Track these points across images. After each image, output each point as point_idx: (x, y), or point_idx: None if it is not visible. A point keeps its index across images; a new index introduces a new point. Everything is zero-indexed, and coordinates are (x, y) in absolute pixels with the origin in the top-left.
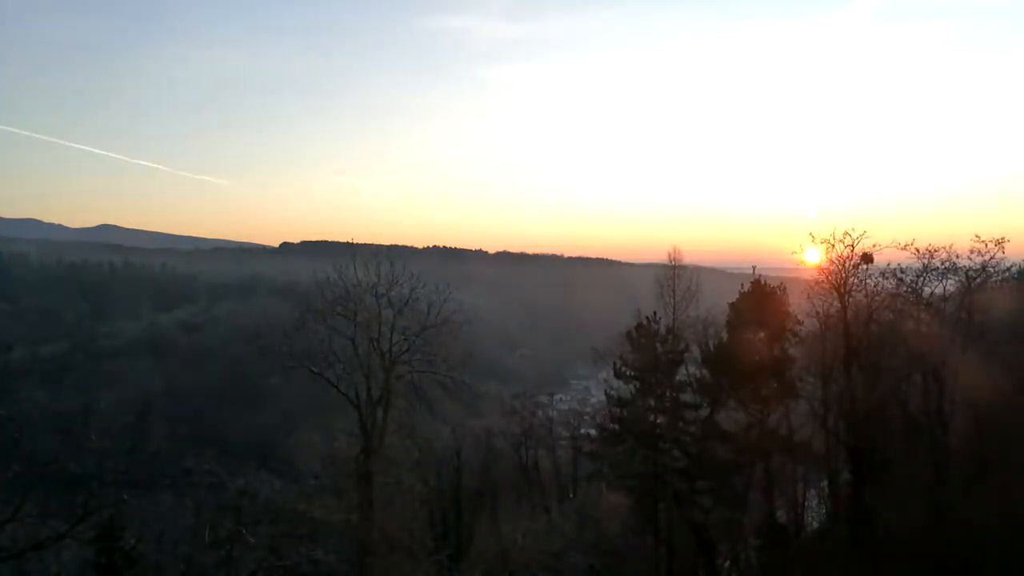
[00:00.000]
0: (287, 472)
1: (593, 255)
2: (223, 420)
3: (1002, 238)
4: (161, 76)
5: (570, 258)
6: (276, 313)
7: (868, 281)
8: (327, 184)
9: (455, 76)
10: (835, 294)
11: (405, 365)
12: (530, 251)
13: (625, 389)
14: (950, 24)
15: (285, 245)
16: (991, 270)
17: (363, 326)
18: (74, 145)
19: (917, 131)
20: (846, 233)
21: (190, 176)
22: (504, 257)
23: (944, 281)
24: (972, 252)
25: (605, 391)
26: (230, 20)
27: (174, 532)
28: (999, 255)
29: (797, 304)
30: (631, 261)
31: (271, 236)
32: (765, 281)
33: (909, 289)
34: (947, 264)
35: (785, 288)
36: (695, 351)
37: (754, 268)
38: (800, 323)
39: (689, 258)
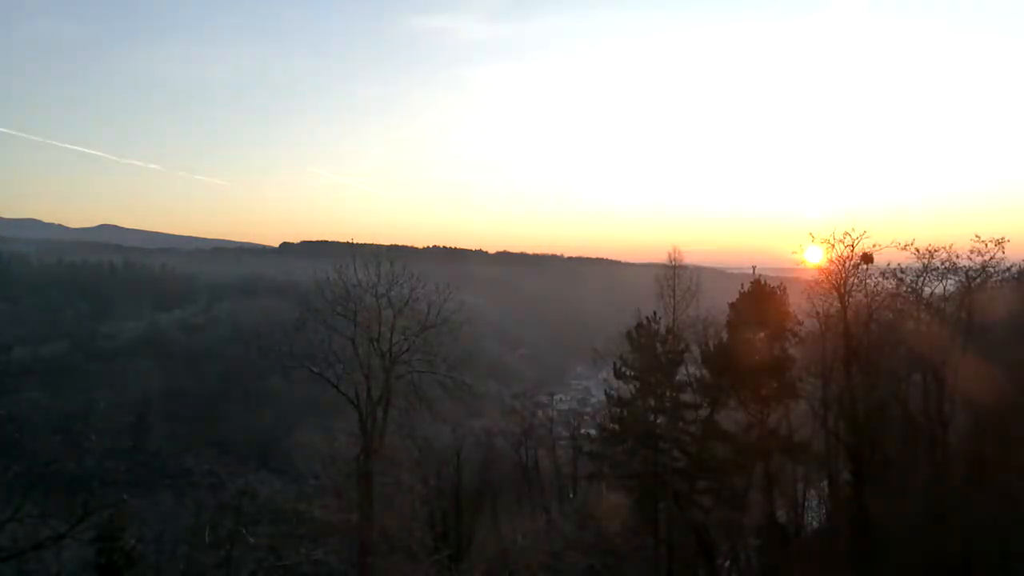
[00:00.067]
0: (287, 472)
1: (593, 255)
2: (223, 420)
3: (1002, 238)
4: (160, 76)
5: (570, 258)
6: (276, 313)
7: (868, 281)
8: (327, 184)
9: (453, 76)
10: (835, 294)
11: (405, 365)
12: (530, 251)
13: (625, 389)
14: (946, 19)
15: (285, 245)
16: (991, 270)
17: (363, 326)
18: (74, 147)
19: (917, 130)
20: (846, 233)
21: (190, 176)
22: (504, 257)
23: (944, 281)
24: (972, 252)
25: (605, 391)
26: (228, 20)
27: (174, 532)
28: (999, 255)
29: (797, 304)
30: (631, 261)
31: (271, 236)
32: (765, 281)
33: (909, 289)
34: (947, 264)
35: (785, 288)
36: (695, 351)
37: (754, 268)
38: (800, 323)
39: (689, 258)
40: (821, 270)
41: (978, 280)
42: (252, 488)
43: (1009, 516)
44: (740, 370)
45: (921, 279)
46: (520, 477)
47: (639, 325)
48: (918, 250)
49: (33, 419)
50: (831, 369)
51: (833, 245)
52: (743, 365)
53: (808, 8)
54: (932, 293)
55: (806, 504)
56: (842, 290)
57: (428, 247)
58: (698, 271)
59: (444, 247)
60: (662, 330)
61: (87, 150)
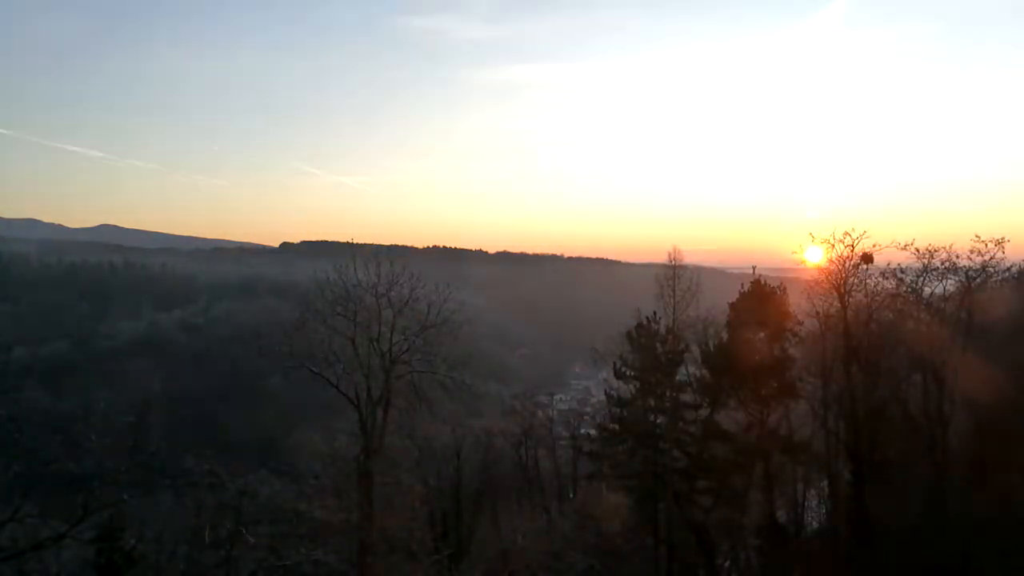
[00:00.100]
0: (287, 472)
1: (593, 255)
2: (223, 420)
3: (1002, 238)
4: (160, 76)
5: (570, 258)
6: (276, 313)
7: (868, 281)
8: (327, 184)
9: (451, 77)
10: (835, 294)
11: (405, 365)
12: (530, 251)
13: (625, 389)
14: (947, 19)
15: (285, 245)
16: (991, 270)
17: (363, 326)
18: (74, 148)
19: (917, 130)
20: (846, 233)
21: (190, 176)
22: (504, 257)
23: (944, 281)
24: (972, 252)
25: (605, 391)
26: (228, 21)
27: (174, 532)
28: (999, 255)
29: (797, 304)
30: (631, 261)
31: (271, 236)
32: (765, 281)
33: (909, 289)
34: (947, 264)
35: (785, 288)
36: (695, 351)
37: (754, 268)
38: (800, 323)
39: (689, 258)
40: (821, 270)
41: (978, 280)
42: (252, 488)
43: (1009, 516)
44: (740, 370)
45: (921, 279)
46: (520, 477)
47: (639, 325)
48: (918, 250)
49: (33, 419)
50: (831, 369)
51: (833, 245)
52: (743, 365)
53: (807, 9)
54: (932, 293)
55: (806, 504)
56: (842, 290)
57: (428, 247)
58: (698, 271)
59: (444, 247)
60: (662, 330)
61: (87, 150)
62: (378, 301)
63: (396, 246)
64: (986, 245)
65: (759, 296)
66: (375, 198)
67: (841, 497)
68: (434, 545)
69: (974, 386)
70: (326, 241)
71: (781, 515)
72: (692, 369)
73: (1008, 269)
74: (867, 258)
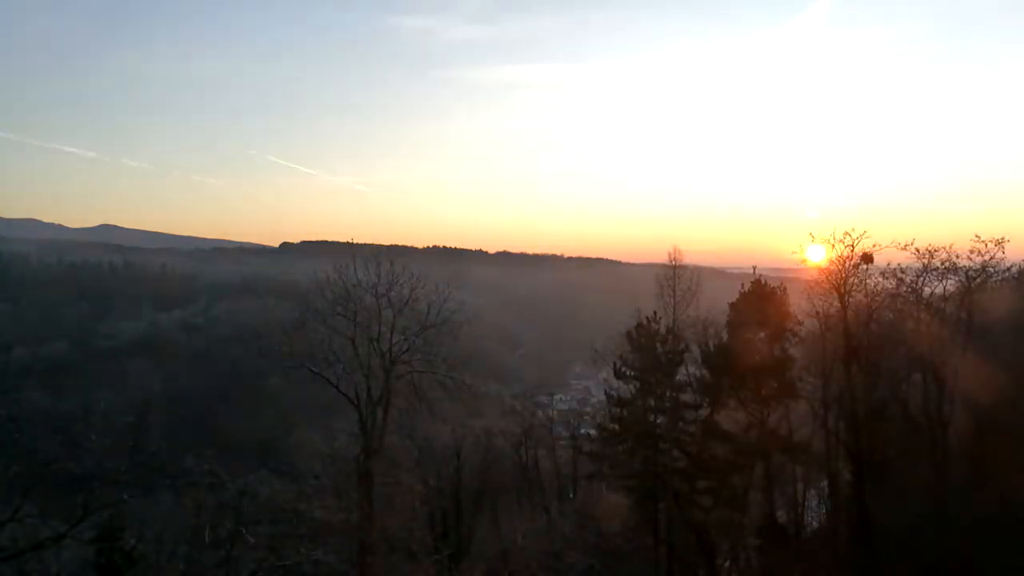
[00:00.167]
0: (287, 472)
1: (593, 255)
2: (223, 420)
3: (1002, 238)
4: (159, 77)
5: (570, 258)
6: (276, 313)
7: (868, 281)
8: (327, 184)
9: (448, 77)
10: (835, 294)
11: (405, 365)
12: (530, 251)
13: (625, 389)
14: (947, 20)
15: (285, 245)
16: (991, 270)
17: (363, 326)
18: (74, 148)
19: (917, 130)
20: (846, 233)
21: (190, 176)
22: (504, 257)
23: (944, 281)
24: (972, 252)
25: (605, 391)
26: (227, 21)
27: (174, 532)
28: (999, 255)
29: (797, 304)
30: (631, 261)
31: (271, 236)
32: (765, 281)
33: (909, 289)
34: (947, 264)
35: (785, 288)
36: (695, 351)
37: (754, 268)
38: (800, 323)
39: (689, 258)
40: (821, 270)
41: (978, 280)
42: (252, 488)
43: (1009, 516)
44: (740, 370)
45: (921, 279)
46: (520, 477)
47: (639, 325)
48: (918, 250)
49: (33, 419)
50: (831, 369)
51: (833, 245)
52: (743, 365)
53: (806, 9)
54: (932, 293)
55: (806, 504)
56: (842, 290)
57: (428, 247)
58: (698, 271)
59: (444, 247)
60: (662, 330)
61: (87, 151)
62: (378, 301)
63: (396, 246)
64: (986, 245)
65: (759, 296)
66: (375, 198)
67: (841, 497)
68: (434, 545)
69: (974, 386)
70: (326, 241)
71: (781, 515)
72: (692, 369)
73: (1008, 269)
74: (867, 258)
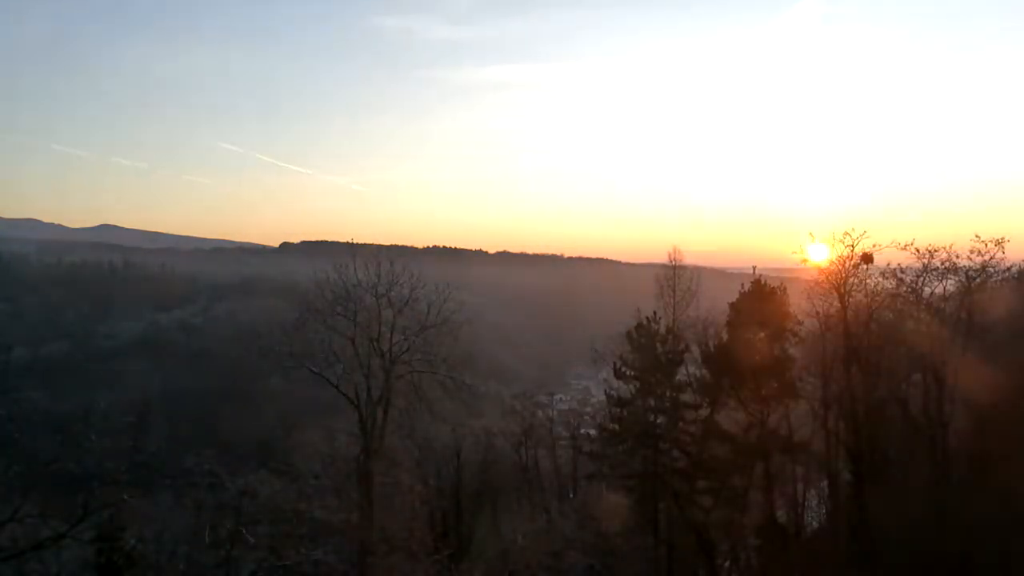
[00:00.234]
0: (287, 472)
1: (593, 255)
2: (223, 420)
3: (1002, 238)
4: (159, 78)
5: (570, 258)
6: (276, 313)
7: (868, 281)
8: (327, 184)
9: (446, 77)
10: (835, 294)
11: (405, 365)
12: (530, 251)
13: (625, 389)
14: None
15: (285, 245)
16: (991, 270)
17: (363, 326)
18: (73, 148)
19: (917, 130)
20: (846, 233)
21: (190, 176)
22: (504, 257)
23: (944, 281)
24: (972, 252)
25: (605, 391)
26: (226, 22)
27: (174, 532)
28: (999, 255)
29: (797, 304)
30: (631, 261)
31: (271, 236)
32: (765, 281)
33: (909, 289)
34: (947, 264)
35: (785, 288)
36: (695, 351)
37: (754, 268)
38: (800, 323)
39: (689, 258)
40: (821, 270)
41: (978, 280)
42: (252, 488)
43: (1009, 516)
44: (740, 370)
45: (921, 279)
46: (520, 477)
47: (639, 325)
48: (918, 250)
49: (33, 419)
50: (831, 369)
51: (833, 245)
52: (743, 365)
53: (805, 9)
54: (932, 293)
55: (806, 504)
56: (842, 290)
57: (428, 247)
58: (698, 271)
59: (444, 247)
60: (662, 330)
61: (87, 151)
62: (378, 301)
63: (396, 246)
64: (986, 245)
65: (759, 296)
66: (375, 198)
67: (841, 497)
68: (434, 545)
69: (974, 386)
70: (326, 241)
71: (781, 515)
72: (692, 369)
73: (1008, 269)
74: (867, 258)
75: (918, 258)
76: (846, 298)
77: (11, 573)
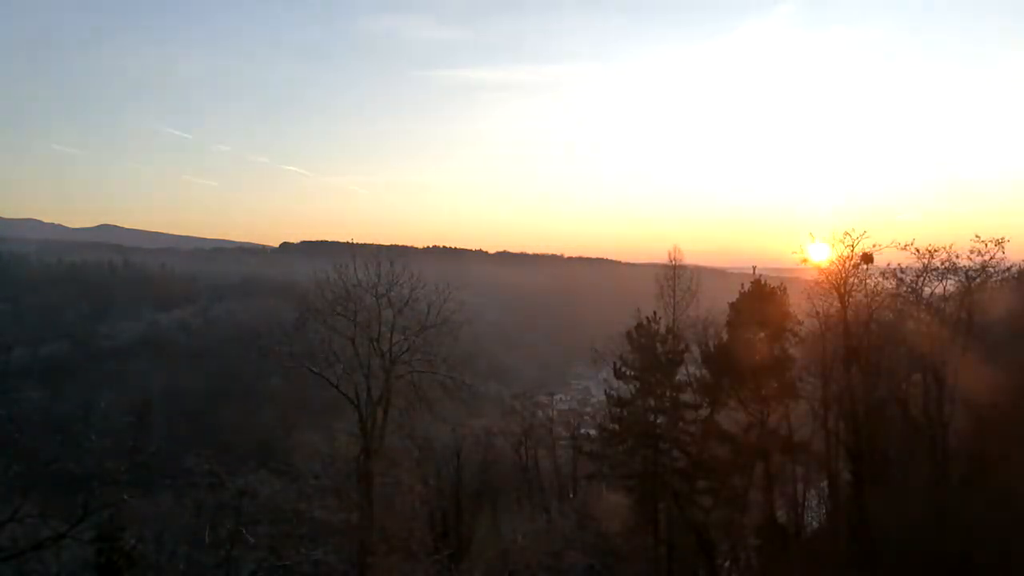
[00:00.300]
0: (287, 472)
1: (593, 255)
2: (223, 420)
3: (1002, 238)
4: (158, 77)
5: (570, 258)
6: (276, 313)
7: (868, 281)
8: (327, 184)
9: (449, 78)
10: (835, 294)
11: (405, 365)
12: (530, 251)
13: (625, 389)
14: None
15: (285, 245)
16: (991, 270)
17: (363, 326)
18: (73, 149)
19: (917, 130)
20: (846, 233)
21: (190, 177)
22: (504, 257)
23: (944, 281)
24: (972, 252)
25: (605, 391)
26: (225, 23)
27: (174, 532)
28: (999, 255)
29: (797, 304)
30: (631, 261)
31: (271, 236)
32: (765, 281)
33: (909, 289)
34: (947, 264)
35: (785, 288)
36: (695, 351)
37: (754, 268)
38: (800, 323)
39: (689, 258)
40: (821, 270)
41: (978, 280)
42: (252, 488)
43: (1009, 516)
44: (740, 370)
45: (921, 279)
46: (520, 477)
47: (639, 325)
48: (918, 250)
49: (33, 419)
50: (831, 369)
51: (833, 245)
52: (743, 365)
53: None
54: (932, 293)
55: (806, 504)
56: (842, 290)
57: (428, 247)
58: (698, 271)
59: (444, 247)
60: (662, 330)
61: (87, 151)
62: (378, 301)
63: (396, 246)
64: (986, 245)
65: (759, 296)
66: (375, 198)
67: (841, 497)
68: (434, 545)
69: (974, 386)
70: (326, 241)
71: (781, 515)
72: (692, 369)
73: (1008, 269)
74: (867, 258)
75: (918, 258)
76: (846, 298)
77: (11, 573)
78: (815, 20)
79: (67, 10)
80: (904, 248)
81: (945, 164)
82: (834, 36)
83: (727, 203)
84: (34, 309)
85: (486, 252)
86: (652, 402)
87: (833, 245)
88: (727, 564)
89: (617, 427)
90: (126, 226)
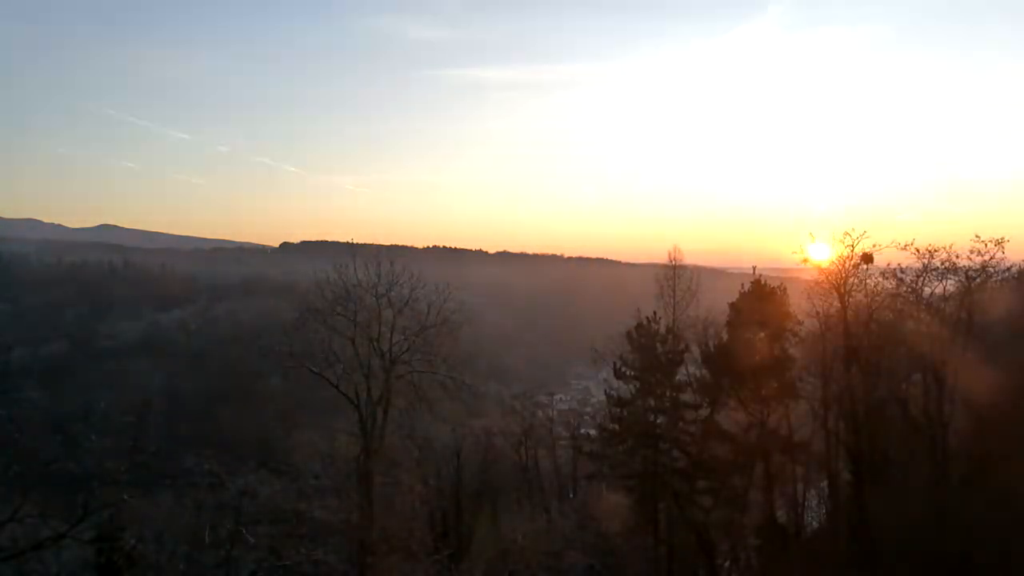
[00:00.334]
0: (287, 472)
1: (593, 255)
2: (223, 420)
3: (1002, 238)
4: (157, 77)
5: (570, 258)
6: (276, 313)
7: (868, 281)
8: (326, 184)
9: (448, 78)
10: (835, 294)
11: (405, 365)
12: (530, 251)
13: (625, 389)
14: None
15: (285, 245)
16: (991, 270)
17: (363, 326)
18: (73, 149)
19: (917, 130)
20: (846, 233)
21: (190, 177)
22: (504, 257)
23: (944, 281)
24: (972, 252)
25: (605, 391)
26: (225, 23)
27: (174, 532)
28: (999, 255)
29: (797, 304)
30: (631, 261)
31: (271, 236)
32: (765, 281)
33: (909, 289)
34: (947, 264)
35: (785, 288)
36: (695, 351)
37: (754, 268)
38: (800, 323)
39: (689, 258)
40: (821, 270)
41: (978, 280)
42: (252, 488)
43: (1009, 516)
44: (740, 370)
45: (921, 279)
46: (520, 477)
47: (639, 325)
48: (918, 250)
49: (33, 419)
50: (831, 369)
51: (833, 245)
52: (743, 365)
53: (805, 7)
54: (932, 293)
55: (806, 504)
56: (842, 290)
57: (428, 247)
58: (698, 271)
59: (444, 247)
60: (662, 330)
61: (87, 151)
62: (378, 301)
63: (396, 246)
64: (986, 245)
65: (759, 296)
66: (375, 198)
67: (841, 497)
68: (434, 545)
69: (974, 386)
70: (326, 241)
71: (781, 515)
72: (692, 369)
73: (1008, 269)
74: (867, 258)
75: (918, 258)
76: (846, 298)
77: (11, 573)
78: (817, 19)
79: (67, 10)
80: (904, 248)
81: (945, 164)
82: (834, 36)
83: (727, 203)
84: (34, 309)
85: (486, 252)
86: (652, 402)
87: (833, 245)
88: (727, 564)
89: (617, 427)
90: (126, 226)
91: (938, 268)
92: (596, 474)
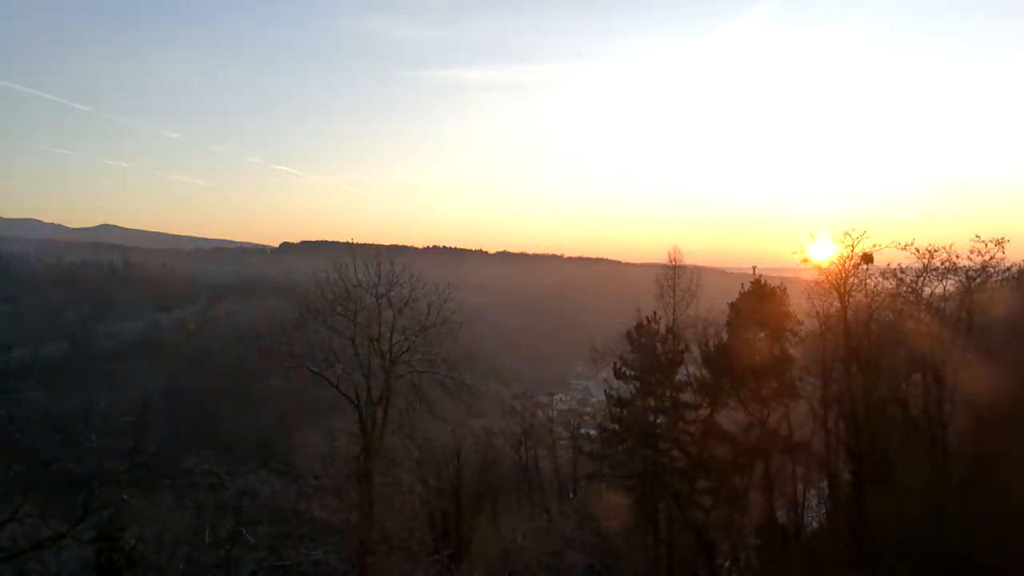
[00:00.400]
0: (287, 472)
1: (593, 255)
2: (223, 420)
3: (1002, 238)
4: (157, 78)
5: (570, 258)
6: (276, 313)
7: (868, 281)
8: (326, 184)
9: (448, 78)
10: (835, 294)
11: (405, 365)
12: (530, 251)
13: (625, 389)
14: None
15: (285, 245)
16: (991, 270)
17: (363, 326)
18: (73, 149)
19: (917, 131)
20: (846, 233)
21: (189, 177)
22: (504, 257)
23: (944, 281)
24: (972, 252)
25: (605, 391)
26: (225, 23)
27: (174, 532)
28: (999, 255)
29: (797, 304)
30: (631, 261)
31: (271, 236)
32: (765, 281)
33: (909, 289)
34: (947, 264)
35: (785, 288)
36: (695, 351)
37: (754, 268)
38: (800, 323)
39: (689, 258)
40: (821, 270)
41: (978, 280)
42: (252, 488)
43: (1009, 516)
44: (740, 370)
45: (921, 279)
46: (520, 477)
47: (639, 325)
48: (918, 250)
49: (33, 419)
50: (831, 369)
51: (833, 245)
52: (743, 365)
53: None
54: (932, 293)
55: (806, 504)
56: (842, 290)
57: (428, 247)
58: (698, 271)
59: (444, 247)
60: (662, 330)
61: (87, 151)
62: (378, 301)
63: (396, 246)
64: (986, 245)
65: (759, 296)
66: (374, 198)
67: (841, 497)
68: (434, 545)
69: (974, 386)
70: (326, 241)
71: (781, 515)
72: (692, 369)
73: (1008, 269)
74: (867, 258)
75: (918, 258)
76: (846, 298)
77: (11, 573)
78: (809, 17)
79: (67, 10)
80: (904, 248)
81: (945, 164)
82: (831, 34)
83: (727, 203)
84: (34, 309)
85: (486, 252)
86: (652, 402)
87: (833, 245)
88: (727, 564)
89: (617, 427)
90: (126, 226)
91: (938, 268)
92: (596, 474)
